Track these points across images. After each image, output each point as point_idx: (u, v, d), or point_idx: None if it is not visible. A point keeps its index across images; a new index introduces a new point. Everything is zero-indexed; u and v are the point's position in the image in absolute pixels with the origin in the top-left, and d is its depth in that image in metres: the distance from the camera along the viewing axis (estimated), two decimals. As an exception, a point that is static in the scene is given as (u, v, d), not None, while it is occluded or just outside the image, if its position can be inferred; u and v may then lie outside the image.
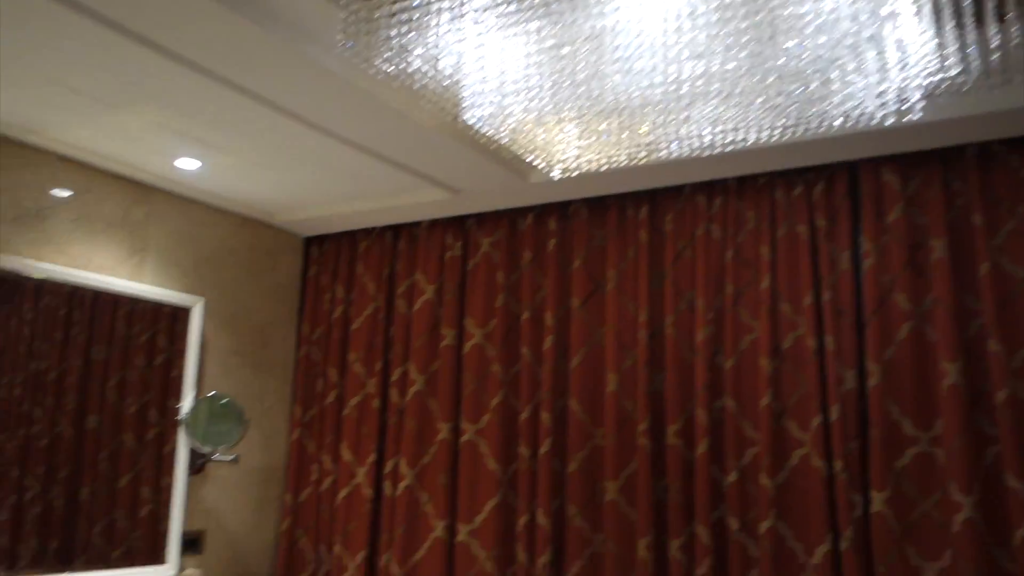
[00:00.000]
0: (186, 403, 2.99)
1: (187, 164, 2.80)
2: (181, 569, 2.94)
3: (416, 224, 3.31)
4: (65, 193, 2.71)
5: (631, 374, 2.80)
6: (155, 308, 2.96)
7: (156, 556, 2.88)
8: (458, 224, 3.22)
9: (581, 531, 2.76)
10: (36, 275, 2.60)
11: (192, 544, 3.02)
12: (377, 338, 3.31)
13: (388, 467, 3.16)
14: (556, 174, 2.04)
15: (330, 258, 3.51)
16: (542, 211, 3.07)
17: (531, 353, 2.97)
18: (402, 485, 3.08)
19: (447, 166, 2.72)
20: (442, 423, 3.06)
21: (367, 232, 3.42)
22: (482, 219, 3.18)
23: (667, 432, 2.69)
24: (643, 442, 2.70)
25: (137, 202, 2.93)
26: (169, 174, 2.90)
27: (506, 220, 3.13)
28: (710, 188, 2.79)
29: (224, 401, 3.06)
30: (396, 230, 3.37)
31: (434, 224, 3.26)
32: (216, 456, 3.01)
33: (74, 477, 2.73)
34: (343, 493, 3.22)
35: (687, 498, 2.63)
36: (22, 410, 2.61)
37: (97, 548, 2.75)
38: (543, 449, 2.84)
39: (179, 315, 3.03)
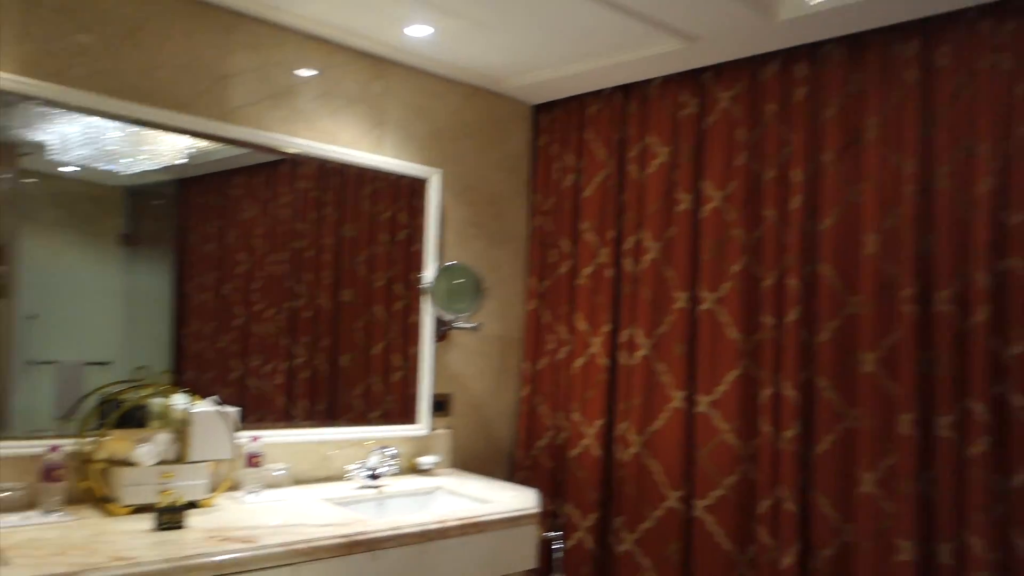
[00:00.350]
0: (428, 272, 3.11)
1: (419, 32, 2.80)
2: (432, 428, 3.13)
3: (648, 83, 3.11)
4: (310, 72, 2.83)
5: (894, 234, 2.48)
6: (395, 186, 3.06)
7: (409, 416, 3.08)
8: (693, 79, 2.98)
9: (832, 405, 2.56)
10: (291, 150, 2.76)
11: (440, 406, 3.19)
12: (609, 206, 3.21)
13: (623, 337, 3.11)
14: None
15: (559, 125, 3.42)
16: (789, 56, 2.75)
17: (776, 215, 2.73)
18: (638, 355, 3.02)
19: (683, 7, 2.49)
20: (679, 292, 2.94)
21: (596, 95, 3.28)
22: (720, 71, 2.91)
23: (936, 298, 2.38)
24: (907, 309, 2.41)
25: (375, 77, 3.00)
26: (402, 45, 2.92)
27: (747, 71, 2.85)
28: (1000, 9, 2.33)
29: (463, 269, 3.14)
30: (626, 91, 3.20)
31: (667, 81, 3.05)
32: (458, 323, 3.12)
33: (334, 346, 2.94)
34: (579, 362, 3.23)
35: (959, 371, 2.33)
36: (287, 286, 2.84)
37: (357, 409, 2.98)
38: (790, 318, 2.64)
39: (418, 190, 3.11)
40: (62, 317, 2.41)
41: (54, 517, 2.08)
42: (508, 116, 3.46)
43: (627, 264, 3.12)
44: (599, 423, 3.13)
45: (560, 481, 3.28)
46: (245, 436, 2.49)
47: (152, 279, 2.61)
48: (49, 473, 2.10)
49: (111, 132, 2.43)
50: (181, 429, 2.32)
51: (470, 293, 3.11)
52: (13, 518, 2.05)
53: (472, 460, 3.29)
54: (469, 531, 2.37)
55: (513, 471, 3.38)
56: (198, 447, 2.31)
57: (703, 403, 2.84)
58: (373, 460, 2.73)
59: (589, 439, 3.15)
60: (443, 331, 3.18)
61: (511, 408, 3.46)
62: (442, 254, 3.19)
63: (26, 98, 2.24)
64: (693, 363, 2.90)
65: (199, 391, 2.43)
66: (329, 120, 2.88)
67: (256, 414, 2.72)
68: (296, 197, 2.85)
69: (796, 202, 2.66)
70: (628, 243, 3.13)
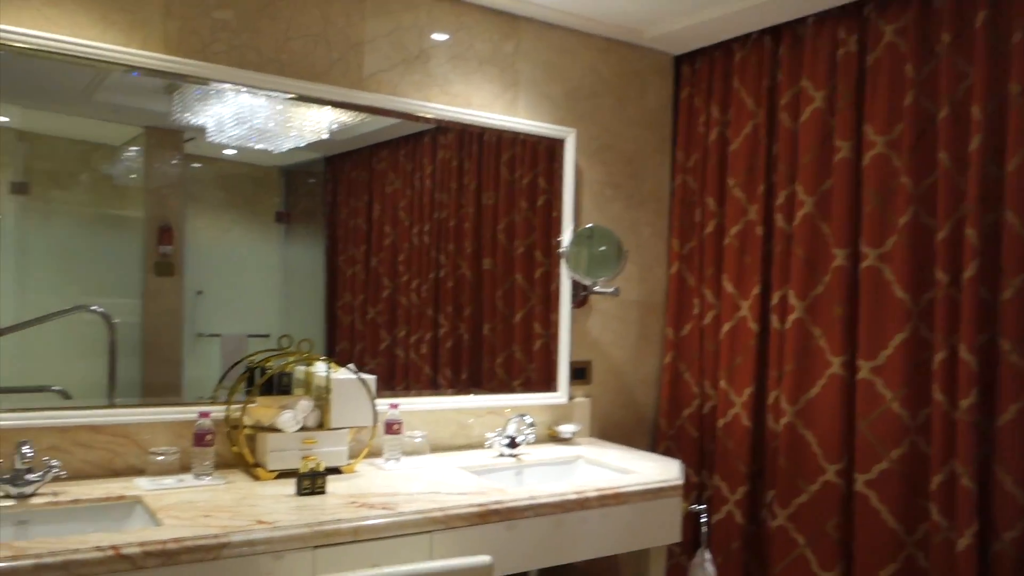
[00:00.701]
0: (565, 236, 3.01)
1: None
2: (571, 397, 3.05)
3: (800, 22, 2.84)
4: (442, 36, 2.77)
5: (1098, 176, 2.14)
6: (533, 151, 2.98)
7: (550, 384, 3.02)
8: (853, 14, 2.69)
9: (1017, 370, 2.26)
10: (426, 115, 2.73)
11: (580, 374, 3.11)
12: (758, 159, 2.98)
13: (775, 299, 2.89)
14: None
15: (703, 76, 3.21)
16: (966, -22, 2.42)
17: (950, 159, 2.42)
18: (791, 318, 2.80)
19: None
20: (837, 248, 2.69)
21: (742, 41, 3.04)
22: (884, 1, 2.61)
23: None
24: (1115, 262, 2.08)
25: (506, 36, 2.91)
26: (535, -2, 2.81)
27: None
28: None
29: (601, 232, 3.02)
30: (776, 33, 2.94)
31: (822, 18, 2.77)
32: (597, 288, 3.01)
33: (476, 314, 2.92)
34: (727, 327, 3.04)
35: None
36: (431, 256, 2.84)
37: (499, 377, 2.95)
38: (967, 273, 2.34)
39: (555, 153, 3.01)
40: (225, 292, 2.52)
41: (206, 480, 2.17)
42: (647, 69, 3.28)
43: (779, 221, 2.89)
44: (748, 391, 2.94)
45: (707, 452, 3.12)
46: (384, 403, 2.51)
47: (306, 254, 2.69)
48: (201, 438, 2.19)
49: (259, 111, 2.49)
50: (322, 396, 2.35)
51: (608, 257, 2.99)
52: (169, 480, 2.15)
53: (613, 429, 3.19)
54: (609, 502, 2.28)
55: (656, 441, 3.26)
56: (338, 414, 2.34)
57: (865, 369, 2.59)
58: (511, 428, 2.69)
59: (738, 408, 2.96)
60: (582, 297, 3.08)
61: (653, 375, 3.33)
62: (579, 217, 3.08)
63: (173, 76, 2.31)
64: (853, 326, 2.65)
65: (351, 361, 2.48)
66: (462, 83, 2.83)
67: (397, 382, 2.77)
68: (437, 167, 2.85)
69: (975, 143, 2.35)
70: (780, 198, 2.89)
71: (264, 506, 1.96)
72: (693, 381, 3.18)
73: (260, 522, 1.82)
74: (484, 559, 1.88)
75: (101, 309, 2.31)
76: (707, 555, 2.57)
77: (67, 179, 2.29)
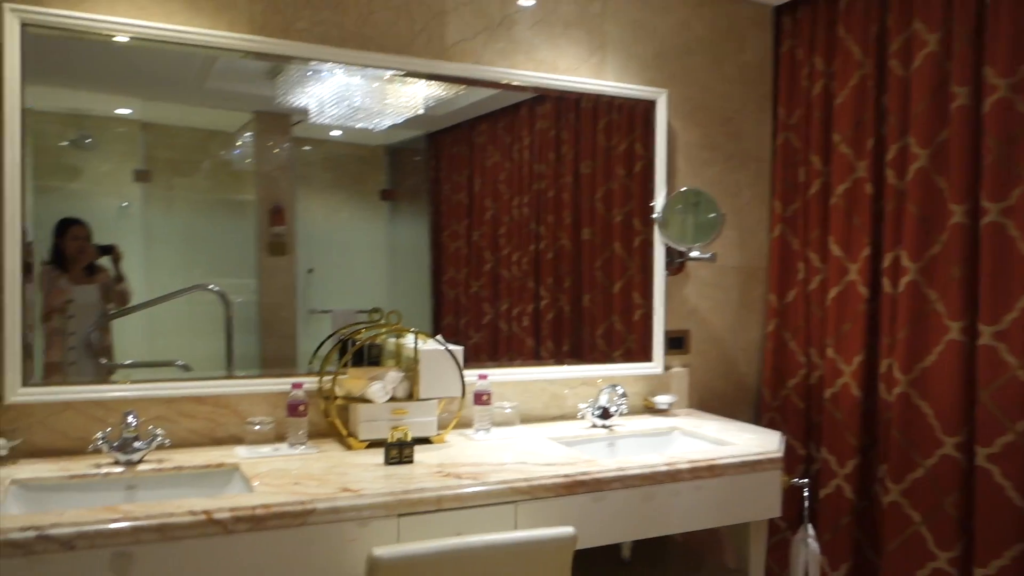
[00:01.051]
0: (658, 201, 2.91)
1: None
2: (667, 367, 2.97)
3: (910, -40, 2.63)
4: (527, 2, 2.71)
5: None
6: (629, 117, 2.91)
7: (647, 354, 2.94)
8: (970, -54, 2.46)
9: None
10: (513, 82, 2.69)
11: (677, 343, 3.02)
12: (867, 112, 2.78)
13: (886, 261, 2.70)
14: None
15: (805, 26, 3.02)
16: None
17: (1086, 101, 2.18)
18: (904, 281, 2.61)
19: None
20: (954, 204, 2.47)
21: (848, -15, 2.84)
22: (1005, -70, 2.37)
23: None
24: None
25: (591, -4, 2.82)
26: (618, -47, 2.71)
27: (1044, -77, 2.28)
28: None
29: (696, 196, 2.90)
30: (884, -26, 2.73)
31: (935, -46, 2.55)
32: (693, 254, 2.90)
33: (576, 286, 2.88)
34: (833, 292, 2.87)
35: None
36: (530, 229, 2.81)
37: (597, 348, 2.90)
38: (1106, 228, 2.11)
39: (651, 117, 2.91)
40: (335, 270, 2.59)
41: (300, 450, 2.23)
42: (744, 22, 3.11)
43: (890, 177, 2.70)
44: (858, 359, 2.77)
45: (814, 424, 2.97)
46: (473, 375, 2.51)
47: (411, 231, 2.73)
48: (294, 409, 2.25)
49: (355, 90, 2.53)
50: (411, 368, 2.37)
51: (704, 222, 2.87)
52: (265, 449, 2.22)
53: (713, 400, 3.09)
54: (702, 475, 2.20)
55: (760, 413, 3.13)
56: (427, 385, 2.35)
57: (986, 334, 2.38)
58: (603, 399, 2.64)
59: (846, 378, 2.80)
60: (678, 264, 2.98)
61: (756, 344, 3.19)
62: (674, 181, 2.97)
63: (255, 56, 2.36)
64: (974, 288, 2.45)
65: (456, 335, 2.51)
66: (547, 48, 2.77)
67: (500, 354, 2.78)
68: (535, 138, 2.82)
69: (1114, 82, 2.10)
70: (891, 152, 2.69)
71: (352, 475, 1.99)
72: (799, 350, 3.02)
73: (346, 490, 1.85)
74: (567, 530, 1.85)
75: (218, 288, 2.41)
76: (810, 531, 2.45)
77: (187, 166, 2.39)
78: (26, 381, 2.09)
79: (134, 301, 2.31)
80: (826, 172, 2.94)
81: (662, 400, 2.85)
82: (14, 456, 2.06)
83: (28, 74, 2.09)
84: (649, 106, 2.91)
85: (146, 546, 1.62)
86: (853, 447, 2.77)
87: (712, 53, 3.05)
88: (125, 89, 2.32)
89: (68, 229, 2.22)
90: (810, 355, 2.99)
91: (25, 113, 2.10)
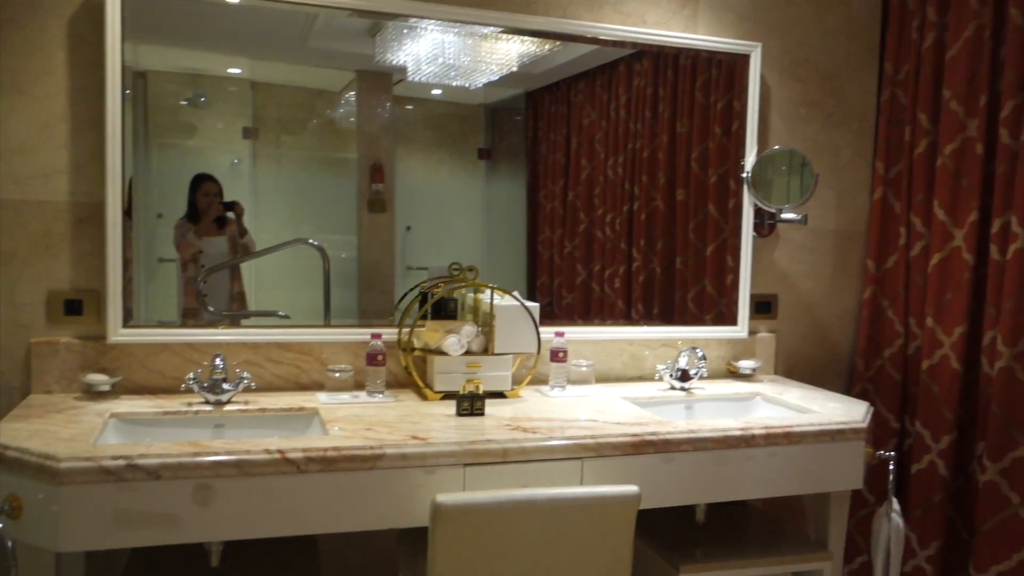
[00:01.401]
0: (749, 159, 2.81)
1: None
2: (752, 332, 2.89)
3: None
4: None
5: None
6: (728, 74, 2.81)
7: (731, 318, 2.87)
8: None
9: None
10: (599, 35, 2.64)
11: (764, 307, 2.93)
12: (981, 66, 2.59)
13: (995, 226, 2.53)
14: None
15: (916, -27, 2.82)
16: None
17: None
18: (1013, 248, 2.44)
19: None
20: (1074, 166, 2.29)
21: (965, -73, 2.63)
22: None
23: None
24: None
25: (684, -55, 2.73)
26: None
27: None
28: None
29: (789, 154, 2.79)
30: (1007, -87, 2.51)
31: None
32: (784, 215, 2.80)
33: (669, 248, 2.84)
34: (936, 259, 2.71)
35: None
36: (624, 189, 2.78)
37: (692, 312, 2.86)
38: None
39: (746, 73, 2.80)
40: (432, 228, 2.65)
41: (377, 398, 2.30)
42: (850, -30, 2.94)
43: (1003, 136, 2.51)
44: (959, 331, 2.62)
45: (910, 397, 2.84)
46: (549, 332, 2.51)
47: (508, 190, 2.75)
48: (373, 358, 2.32)
49: (449, 47, 2.54)
50: (487, 322, 2.40)
51: (797, 182, 2.76)
52: (344, 396, 2.30)
53: (801, 367, 2.99)
54: (779, 441, 2.15)
55: (852, 382, 3.01)
56: (502, 340, 2.38)
57: (1104, 308, 2.21)
58: (683, 361, 2.60)
59: (946, 349, 2.65)
60: (768, 225, 2.88)
61: (851, 312, 3.06)
62: (766, 140, 2.86)
63: (357, 12, 2.40)
64: (1092, 257, 2.27)
65: (551, 296, 2.53)
66: (637, 1, 2.69)
67: (593, 315, 2.78)
68: (632, 96, 2.78)
69: None
70: (1006, 109, 2.50)
71: (424, 424, 2.04)
72: (896, 319, 2.88)
73: (415, 438, 1.90)
74: (631, 488, 1.85)
75: (317, 243, 2.50)
76: (895, 505, 2.36)
77: (293, 124, 2.48)
78: (126, 322, 2.23)
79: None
80: (934, 131, 2.76)
81: (745, 365, 2.79)
82: (115, 392, 2.21)
83: (143, 33, 2.19)
84: (746, 61, 2.80)
85: (225, 480, 1.72)
86: (949, 422, 2.63)
87: (815, 4, 2.90)
88: (235, 49, 2.42)
89: (200, 184, 2.37)
90: (908, 324, 2.85)
91: (145, 74, 2.22)
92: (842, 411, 2.34)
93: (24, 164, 2.18)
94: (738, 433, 2.11)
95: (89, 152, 2.20)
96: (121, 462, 1.66)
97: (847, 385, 3.04)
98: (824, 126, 2.95)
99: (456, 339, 2.32)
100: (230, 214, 2.40)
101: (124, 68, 2.18)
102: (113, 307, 2.20)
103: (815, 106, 2.94)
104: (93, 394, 2.19)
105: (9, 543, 1.63)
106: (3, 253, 2.18)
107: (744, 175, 2.81)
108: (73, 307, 2.22)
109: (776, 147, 2.81)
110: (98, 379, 2.16)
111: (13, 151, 2.17)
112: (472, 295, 2.51)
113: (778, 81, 2.88)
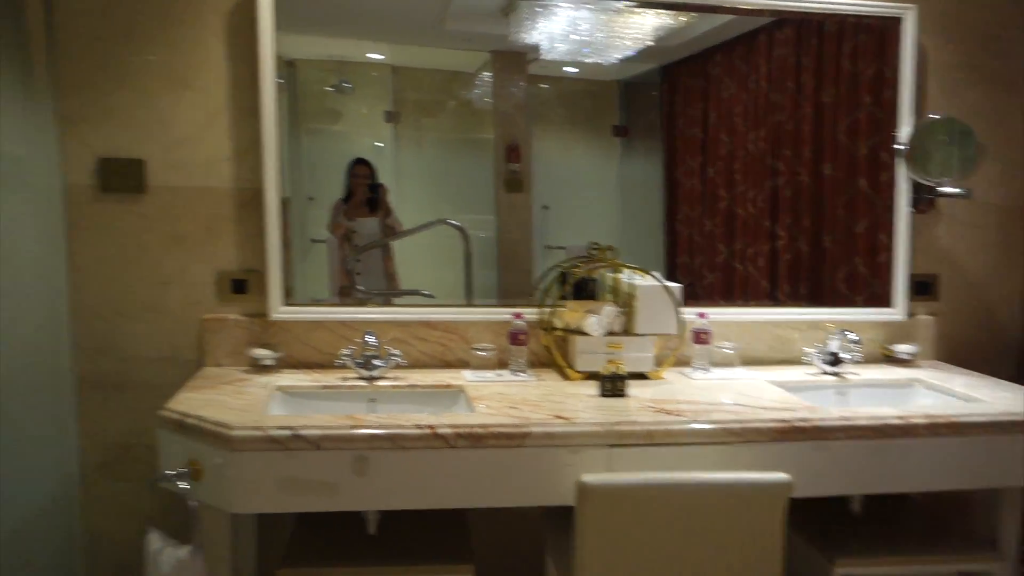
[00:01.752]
0: (904, 129, 2.65)
1: None
2: (911, 314, 2.73)
3: None
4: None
5: None
6: (880, 39, 2.66)
7: (885, 300, 2.73)
8: None
9: None
10: (741, 5, 2.54)
11: (924, 288, 2.76)
12: None
13: None
14: None
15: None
16: None
17: None
18: None
19: None
20: None
21: None
22: None
23: None
24: None
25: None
26: None
27: None
28: None
29: (949, 124, 2.60)
30: None
31: None
32: (944, 190, 2.62)
33: (816, 225, 2.74)
34: (1123, 235, 2.48)
35: None
36: (767, 164, 2.70)
37: (834, 291, 2.74)
38: None
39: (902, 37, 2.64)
40: (569, 207, 2.66)
41: (520, 376, 2.33)
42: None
43: None
44: None
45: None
46: (692, 313, 2.46)
47: (644, 167, 2.73)
48: (515, 337, 2.35)
49: (582, 23, 2.52)
50: (628, 303, 2.38)
51: (958, 153, 2.57)
52: (488, 374, 2.35)
53: (966, 353, 2.80)
54: (941, 431, 2.02)
55: (1022, 369, 2.79)
56: (643, 321, 2.35)
57: None
58: (833, 345, 2.49)
59: None
60: (927, 200, 2.71)
61: (1019, 293, 2.83)
62: (923, 108, 2.68)
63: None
64: None
65: (691, 276, 2.53)
66: (781, -32, 2.58)
67: (736, 296, 2.73)
68: (773, 66, 2.69)
69: None
70: None
71: (567, 403, 2.05)
72: (1074, 301, 2.66)
73: (559, 417, 1.91)
74: (782, 476, 1.79)
75: (457, 223, 2.55)
76: (1073, 504, 2.18)
77: (432, 107, 2.55)
78: (286, 301, 2.36)
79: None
80: (1122, 95, 2.51)
81: (902, 349, 2.64)
82: (278, 366, 2.35)
83: (291, 24, 2.29)
84: (897, 24, 2.63)
85: (380, 452, 1.79)
86: None
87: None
88: (375, 34, 2.50)
89: (354, 167, 2.47)
90: (1088, 307, 2.62)
91: (294, 63, 2.33)
92: (1014, 401, 2.18)
93: (191, 153, 2.33)
94: (897, 422, 2.00)
95: (248, 140, 2.33)
96: (287, 432, 1.76)
97: (1018, 372, 2.82)
98: (988, 92, 2.74)
99: (597, 319, 2.32)
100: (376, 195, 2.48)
101: (276, 58, 2.28)
102: (274, 286, 2.33)
103: (977, 70, 2.73)
104: (258, 367, 2.33)
105: (193, 504, 1.76)
106: (176, 236, 2.35)
107: (898, 147, 2.65)
108: (239, 286, 2.36)
109: (934, 115, 2.63)
110: (263, 353, 2.30)
111: (181, 141, 2.32)
112: (611, 275, 2.49)
113: (934, 45, 2.69)
